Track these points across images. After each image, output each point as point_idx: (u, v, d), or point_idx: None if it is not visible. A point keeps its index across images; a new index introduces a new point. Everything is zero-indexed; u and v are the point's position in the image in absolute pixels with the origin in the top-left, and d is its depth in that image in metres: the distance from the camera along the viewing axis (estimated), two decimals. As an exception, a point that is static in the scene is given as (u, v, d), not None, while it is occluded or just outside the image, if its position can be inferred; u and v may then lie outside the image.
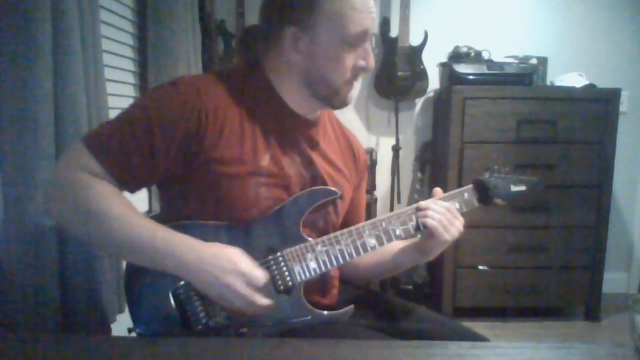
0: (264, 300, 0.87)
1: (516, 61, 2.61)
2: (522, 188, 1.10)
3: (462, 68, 2.51)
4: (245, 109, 0.96)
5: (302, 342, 0.86)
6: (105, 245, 0.90)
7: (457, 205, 1.04)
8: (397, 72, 2.68)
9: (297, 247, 0.95)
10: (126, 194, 0.93)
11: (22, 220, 1.02)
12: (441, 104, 2.68)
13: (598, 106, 2.43)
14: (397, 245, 1.09)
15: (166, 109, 0.90)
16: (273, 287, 0.92)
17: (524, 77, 2.51)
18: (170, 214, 0.99)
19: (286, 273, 0.94)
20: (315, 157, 1.03)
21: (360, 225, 0.99)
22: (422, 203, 1.02)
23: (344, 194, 1.06)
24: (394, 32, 2.71)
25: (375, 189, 2.68)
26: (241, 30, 1.09)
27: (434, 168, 2.84)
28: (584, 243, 2.50)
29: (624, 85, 2.61)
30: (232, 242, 0.91)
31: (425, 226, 1.00)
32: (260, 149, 0.96)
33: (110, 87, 1.48)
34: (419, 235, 1.05)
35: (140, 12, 1.89)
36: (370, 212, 2.54)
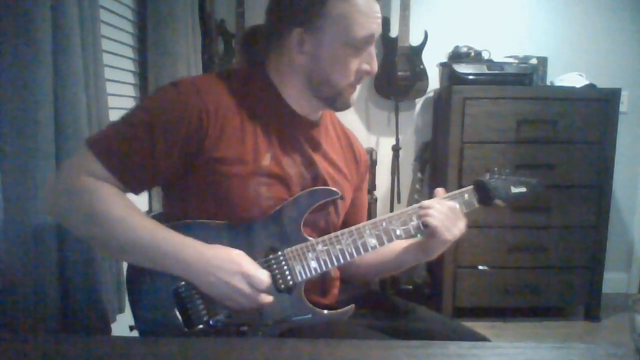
0: (267, 299, 0.89)
1: (516, 61, 2.61)
2: (522, 189, 1.11)
3: (462, 68, 2.51)
4: (246, 108, 0.97)
5: (302, 342, 0.86)
6: (110, 247, 0.91)
7: (458, 206, 1.05)
8: (397, 72, 2.68)
9: (297, 246, 0.95)
10: (129, 195, 0.93)
11: (22, 220, 1.02)
12: (441, 104, 2.68)
13: (598, 106, 2.43)
14: (399, 244, 1.09)
15: (167, 110, 0.91)
16: (274, 286, 0.93)
17: (524, 77, 2.51)
18: (172, 214, 0.99)
19: (287, 272, 0.94)
20: (316, 157, 1.03)
21: (360, 225, 0.99)
22: (425, 202, 1.02)
23: (344, 194, 1.06)
24: (394, 32, 2.71)
25: (375, 189, 2.68)
26: (244, 30, 1.10)
27: (434, 168, 2.84)
28: (584, 243, 2.50)
29: (624, 85, 2.62)
30: (233, 241, 0.92)
31: (426, 225, 1.00)
32: (262, 148, 0.96)
33: (110, 87, 1.48)
34: (419, 235, 1.06)
35: (140, 12, 1.89)
36: (370, 212, 2.53)
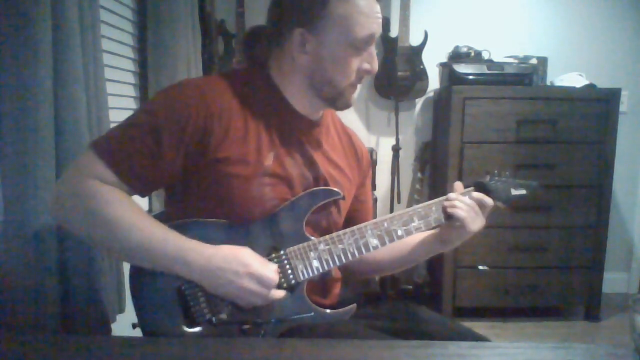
0: (279, 294, 0.91)
1: (516, 61, 2.61)
2: (522, 192, 1.12)
3: (462, 68, 2.51)
4: (249, 109, 0.97)
5: (302, 342, 0.86)
6: (115, 250, 0.91)
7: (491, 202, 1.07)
8: (397, 72, 2.68)
9: (300, 245, 0.96)
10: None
11: (22, 220, 1.02)
12: (441, 104, 2.68)
13: (598, 106, 2.43)
14: (414, 238, 1.10)
15: (173, 112, 0.91)
16: (276, 286, 0.93)
17: (524, 77, 2.51)
18: (174, 214, 0.99)
19: (289, 271, 0.95)
20: (317, 157, 1.04)
21: (362, 225, 1.00)
22: (451, 195, 1.04)
23: (345, 194, 1.06)
24: (394, 32, 2.71)
25: (375, 189, 2.68)
26: (246, 30, 1.10)
27: (434, 168, 2.84)
28: (584, 243, 2.50)
29: (624, 85, 2.62)
30: (235, 241, 0.92)
31: (451, 216, 1.02)
32: (264, 148, 0.96)
33: (110, 87, 1.48)
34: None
35: (140, 12, 1.89)
36: (370, 212, 2.54)
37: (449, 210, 1.02)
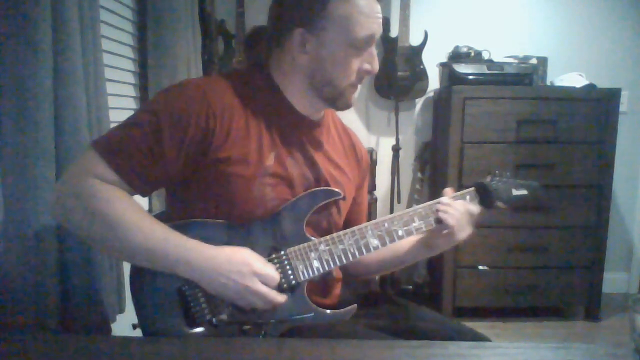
0: (280, 297, 0.91)
1: (516, 61, 2.61)
2: (524, 192, 1.12)
3: (462, 68, 2.51)
4: (250, 109, 0.97)
5: (302, 342, 0.86)
6: (116, 250, 0.91)
7: (476, 209, 1.06)
8: (397, 72, 2.68)
9: (300, 246, 0.96)
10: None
11: (22, 220, 1.02)
12: (441, 104, 2.68)
13: (598, 106, 2.43)
14: (403, 241, 1.09)
15: (174, 112, 0.91)
16: (277, 286, 0.93)
17: (524, 77, 2.51)
18: (175, 213, 0.99)
19: (290, 272, 0.95)
20: (318, 157, 1.04)
21: (363, 225, 1.00)
22: (445, 199, 1.04)
23: (346, 194, 1.07)
24: (394, 32, 2.71)
25: (375, 189, 2.68)
26: (248, 30, 1.10)
27: (434, 168, 2.84)
28: (584, 243, 2.50)
29: (624, 85, 2.62)
30: (236, 241, 0.93)
31: (440, 222, 1.01)
32: (265, 148, 0.96)
33: (110, 87, 1.48)
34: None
35: (140, 12, 1.89)
36: (370, 212, 2.54)
37: (441, 215, 1.02)
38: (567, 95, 2.46)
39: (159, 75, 1.84)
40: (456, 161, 2.44)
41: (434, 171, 2.85)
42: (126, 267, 0.99)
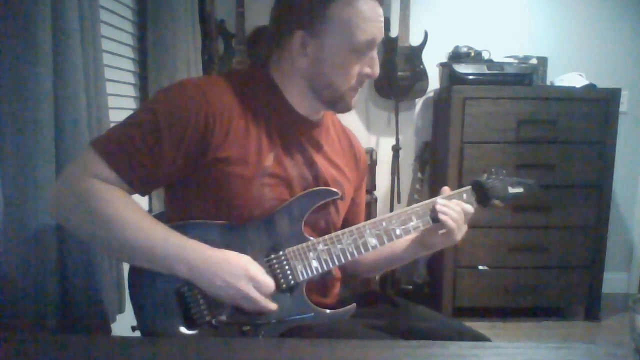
0: (272, 305, 0.90)
1: (516, 61, 2.61)
2: (520, 190, 1.12)
3: (462, 68, 2.51)
4: (249, 109, 0.97)
5: (302, 342, 0.86)
6: (115, 250, 0.91)
7: (472, 210, 1.06)
8: (397, 72, 2.68)
9: (299, 246, 0.96)
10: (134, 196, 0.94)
11: (22, 220, 1.02)
12: (441, 104, 2.68)
13: (598, 106, 2.43)
14: (397, 241, 1.09)
15: (173, 111, 0.90)
16: (275, 288, 0.93)
17: (524, 77, 2.51)
18: (174, 214, 0.99)
19: (288, 272, 0.95)
20: (317, 158, 1.04)
21: (361, 224, 1.00)
22: (441, 200, 1.04)
23: (344, 195, 1.07)
24: (394, 32, 2.71)
25: (375, 189, 2.68)
26: (250, 30, 1.10)
27: (434, 168, 2.84)
28: (584, 243, 2.50)
29: (624, 85, 2.62)
30: (234, 241, 0.93)
31: (437, 221, 1.01)
32: (264, 148, 0.96)
33: (110, 87, 1.48)
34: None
35: (140, 12, 1.89)
36: (370, 212, 2.54)
37: (440, 216, 1.02)
38: (567, 95, 2.46)
39: (159, 75, 1.84)
40: (456, 161, 2.44)
41: (434, 171, 2.85)
42: (126, 268, 0.99)
